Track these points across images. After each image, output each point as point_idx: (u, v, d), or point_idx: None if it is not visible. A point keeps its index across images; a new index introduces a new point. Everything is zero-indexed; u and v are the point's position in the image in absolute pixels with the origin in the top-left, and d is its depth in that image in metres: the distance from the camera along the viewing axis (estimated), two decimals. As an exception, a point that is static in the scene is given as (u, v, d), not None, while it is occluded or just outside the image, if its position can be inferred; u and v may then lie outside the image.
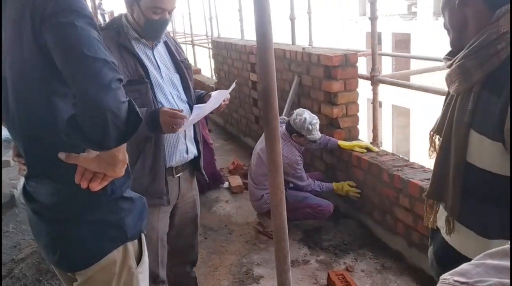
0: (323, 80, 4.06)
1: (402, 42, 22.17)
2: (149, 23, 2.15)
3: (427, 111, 19.10)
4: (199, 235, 3.84)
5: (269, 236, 3.73)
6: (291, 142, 3.68)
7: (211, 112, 2.46)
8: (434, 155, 1.49)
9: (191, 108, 2.41)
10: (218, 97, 2.40)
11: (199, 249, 3.60)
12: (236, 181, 4.78)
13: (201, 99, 2.54)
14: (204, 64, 11.46)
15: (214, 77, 8.08)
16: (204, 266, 3.42)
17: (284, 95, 4.89)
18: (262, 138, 3.87)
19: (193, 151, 2.44)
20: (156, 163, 2.22)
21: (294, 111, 3.74)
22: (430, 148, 1.55)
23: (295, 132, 3.66)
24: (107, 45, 2.10)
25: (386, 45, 20.89)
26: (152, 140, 2.19)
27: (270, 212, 3.66)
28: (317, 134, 3.69)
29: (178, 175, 2.38)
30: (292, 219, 3.65)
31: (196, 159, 2.48)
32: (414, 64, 19.66)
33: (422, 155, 19.69)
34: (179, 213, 2.53)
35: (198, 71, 9.04)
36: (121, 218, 1.42)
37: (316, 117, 3.71)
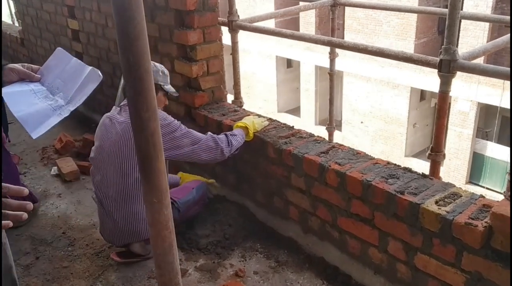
0: (175, 30, 3.14)
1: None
2: None
3: (251, 48, 19.13)
4: (26, 255, 2.82)
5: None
6: None
7: None
8: None
9: None
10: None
11: (30, 278, 2.61)
12: (69, 164, 3.66)
13: None
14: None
15: (16, 24, 6.41)
16: (42, 306, 2.42)
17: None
18: (103, 121, 2.63)
19: None
20: None
21: None
22: None
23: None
24: None
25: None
26: None
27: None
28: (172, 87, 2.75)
29: None
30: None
31: None
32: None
33: (247, 90, 19.90)
34: None
35: (-8, 16, 7.11)
36: None
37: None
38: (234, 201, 3.13)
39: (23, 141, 4.20)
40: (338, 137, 17.73)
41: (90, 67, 1.51)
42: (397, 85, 15.25)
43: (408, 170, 2.35)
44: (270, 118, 3.02)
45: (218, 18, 3.49)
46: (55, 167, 3.73)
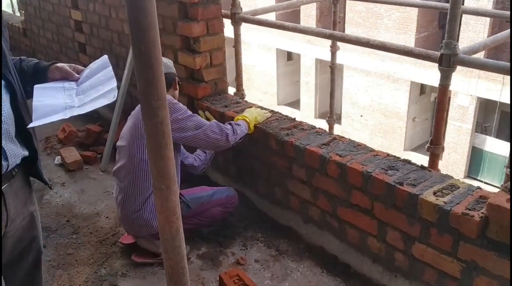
0: (179, 22, 3.17)
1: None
2: None
3: (251, 40, 19.13)
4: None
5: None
6: None
7: None
8: None
9: (9, 86, 1.47)
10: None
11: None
12: (72, 154, 3.71)
13: (42, 72, 1.63)
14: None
15: (19, 14, 6.43)
16: (48, 291, 2.48)
17: (123, 39, 3.87)
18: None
19: (17, 153, 1.55)
20: None
21: None
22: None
23: (173, 77, 2.74)
24: None
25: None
26: None
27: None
28: None
29: None
30: (194, 229, 2.81)
31: (29, 160, 1.63)
32: None
33: (247, 83, 19.95)
34: (10, 242, 1.65)
35: (-6, 6, 7.12)
36: None
37: None
38: (236, 191, 3.18)
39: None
40: (337, 131, 17.72)
41: (114, 85, 1.56)
42: (397, 79, 15.27)
43: (407, 162, 2.40)
44: (272, 111, 3.07)
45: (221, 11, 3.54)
46: (59, 157, 3.78)
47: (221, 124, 2.68)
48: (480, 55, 12.72)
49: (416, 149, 15.93)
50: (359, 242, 2.47)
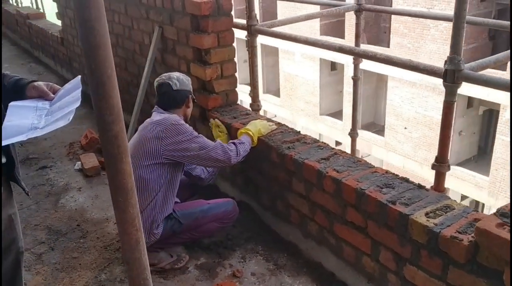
0: (191, 33, 3.23)
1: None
2: None
3: (294, 50, 19.12)
4: (41, 244, 2.99)
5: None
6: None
7: None
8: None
9: None
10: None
11: (42, 266, 2.77)
12: (91, 160, 3.84)
13: (20, 90, 1.73)
14: (52, 6, 9.75)
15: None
16: (48, 293, 2.57)
17: (144, 50, 3.97)
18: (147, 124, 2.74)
19: None
20: None
21: (162, 79, 2.75)
22: None
23: (187, 95, 2.80)
24: None
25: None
26: None
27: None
28: None
29: None
30: (187, 242, 2.86)
31: (7, 167, 1.73)
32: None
33: (290, 92, 19.93)
34: None
35: (41, 16, 7.51)
36: None
37: None
38: (242, 202, 3.18)
39: (53, 136, 4.43)
40: (380, 143, 17.42)
41: (74, 108, 1.54)
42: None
43: (405, 180, 2.33)
44: (278, 123, 3.06)
45: (239, 22, 3.58)
46: (79, 162, 3.92)
47: (225, 145, 2.71)
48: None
49: (462, 164, 15.35)
50: (355, 260, 2.41)
